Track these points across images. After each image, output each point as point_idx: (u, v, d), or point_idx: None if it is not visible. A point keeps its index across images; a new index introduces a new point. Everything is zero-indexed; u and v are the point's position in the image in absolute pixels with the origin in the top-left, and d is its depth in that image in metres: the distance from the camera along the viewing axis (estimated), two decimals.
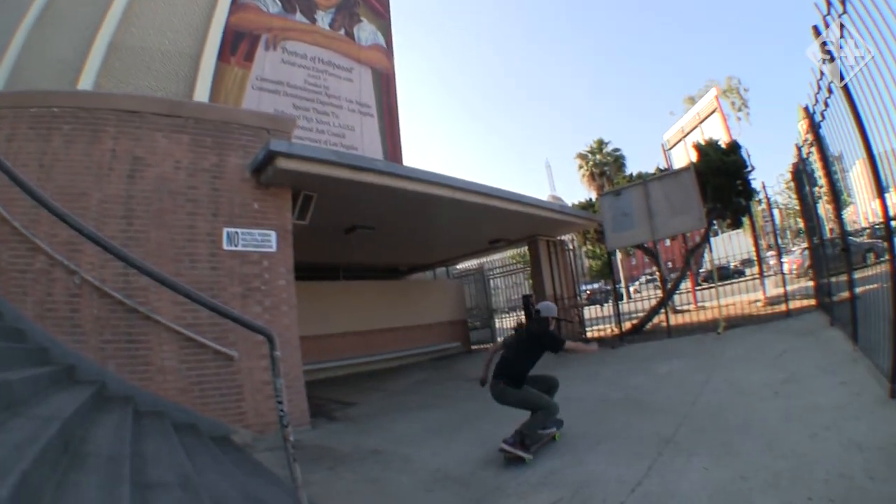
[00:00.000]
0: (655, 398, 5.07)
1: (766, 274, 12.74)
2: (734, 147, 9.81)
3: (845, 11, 3.18)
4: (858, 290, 4.83)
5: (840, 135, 4.09)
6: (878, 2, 2.75)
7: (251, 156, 5.53)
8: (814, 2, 3.47)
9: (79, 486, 2.12)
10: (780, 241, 18.95)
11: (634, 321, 11.00)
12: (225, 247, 5.24)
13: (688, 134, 13.98)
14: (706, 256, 12.16)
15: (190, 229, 5.12)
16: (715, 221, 11.12)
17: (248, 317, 4.30)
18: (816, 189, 6.65)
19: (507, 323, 14.47)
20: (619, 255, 18.79)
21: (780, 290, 9.35)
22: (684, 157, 12.78)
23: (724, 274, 15.82)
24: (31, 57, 8.90)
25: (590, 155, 26.35)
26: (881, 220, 3.47)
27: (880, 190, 3.39)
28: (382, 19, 14.66)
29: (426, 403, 6.67)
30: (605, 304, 14.40)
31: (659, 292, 12.07)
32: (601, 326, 12.21)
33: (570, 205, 13.93)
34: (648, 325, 10.66)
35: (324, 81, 12.37)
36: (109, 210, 4.85)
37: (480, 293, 14.23)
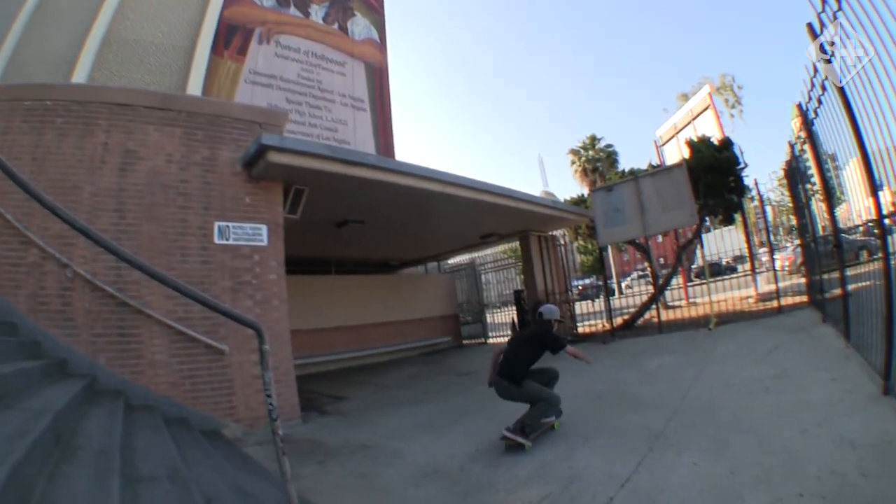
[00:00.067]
0: (646, 393, 5.08)
1: (758, 270, 12.84)
2: (727, 144, 9.85)
3: (840, 9, 3.17)
4: (851, 287, 4.86)
5: (833, 132, 4.09)
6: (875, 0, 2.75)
7: (243, 149, 5.49)
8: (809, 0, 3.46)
9: (70, 478, 2.13)
10: (772, 237, 19.07)
11: (626, 317, 11.06)
12: (216, 240, 5.21)
13: (680, 130, 14.06)
14: (698, 253, 12.21)
15: (181, 223, 5.08)
16: (707, 218, 11.17)
17: (239, 311, 4.28)
18: (809, 186, 6.68)
19: (498, 318, 14.51)
20: (610, 251, 18.87)
21: (772, 287, 9.42)
22: (677, 153, 12.85)
23: (716, 270, 15.91)
24: (26, 50, 8.86)
25: (582, 151, 26.32)
26: (874, 217, 3.48)
27: (874, 187, 3.39)
28: (376, 14, 14.60)
29: (417, 398, 6.67)
30: (597, 300, 14.45)
31: (650, 288, 12.13)
32: (592, 322, 12.24)
33: (562, 200, 13.92)
34: (640, 321, 10.72)
35: (317, 75, 12.31)
36: (101, 203, 4.80)
37: (472, 288, 14.20)
